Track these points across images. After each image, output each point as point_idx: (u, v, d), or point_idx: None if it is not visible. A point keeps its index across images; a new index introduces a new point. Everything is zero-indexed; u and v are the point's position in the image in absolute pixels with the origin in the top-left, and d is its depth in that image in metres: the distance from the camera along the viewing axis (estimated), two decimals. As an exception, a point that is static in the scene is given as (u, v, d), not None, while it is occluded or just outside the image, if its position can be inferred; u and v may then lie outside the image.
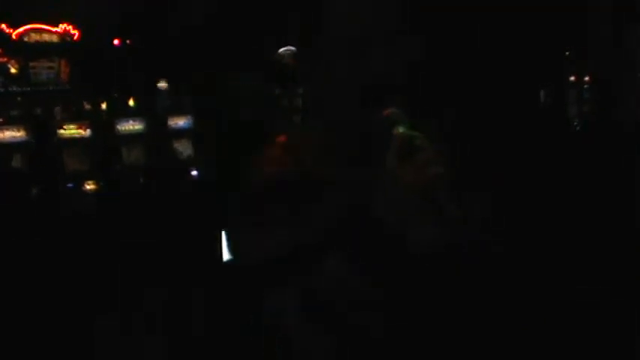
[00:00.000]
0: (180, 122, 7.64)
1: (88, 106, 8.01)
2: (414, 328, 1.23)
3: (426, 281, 1.23)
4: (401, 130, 1.15)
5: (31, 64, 9.32)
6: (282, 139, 1.38)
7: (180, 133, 7.59)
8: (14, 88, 9.10)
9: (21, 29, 9.16)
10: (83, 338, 4.29)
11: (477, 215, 1.33)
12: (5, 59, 9.04)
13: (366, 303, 1.14)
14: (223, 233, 3.74)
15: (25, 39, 9.28)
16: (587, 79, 11.51)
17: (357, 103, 1.24)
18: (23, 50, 9.23)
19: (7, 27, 9.00)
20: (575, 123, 10.85)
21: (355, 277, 1.11)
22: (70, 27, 9.49)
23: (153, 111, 8.09)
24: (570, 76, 11.40)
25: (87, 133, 6.96)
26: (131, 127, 7.27)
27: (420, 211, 1.10)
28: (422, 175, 1.08)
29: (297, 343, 1.18)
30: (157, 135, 7.40)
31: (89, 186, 6.68)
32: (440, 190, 1.08)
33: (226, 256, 3.71)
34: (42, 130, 6.84)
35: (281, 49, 12.38)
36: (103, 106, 7.94)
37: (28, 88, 9.20)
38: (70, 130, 6.90)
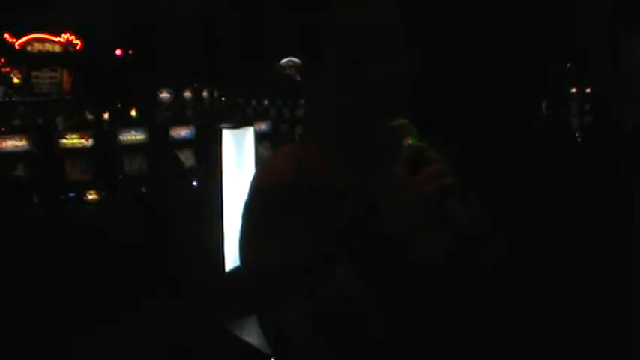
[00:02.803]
0: (182, 132, 7.64)
1: (90, 116, 8.03)
2: (417, 336, 1.23)
3: (430, 291, 1.23)
4: (410, 141, 1.15)
5: (33, 73, 9.37)
6: (286, 148, 1.38)
7: (182, 143, 7.58)
8: (17, 98, 9.14)
9: (24, 39, 9.21)
10: (80, 348, 4.29)
11: (482, 225, 1.33)
12: (8, 69, 9.08)
13: (371, 315, 1.14)
14: (232, 242, 3.74)
15: (28, 48, 9.33)
16: (588, 90, 11.51)
17: (360, 114, 1.25)
18: (26, 60, 9.28)
19: (10, 36, 9.04)
20: (577, 134, 10.86)
21: (361, 289, 1.11)
22: (73, 37, 9.53)
23: (155, 121, 8.10)
24: (572, 87, 11.41)
25: (89, 142, 6.96)
26: (133, 137, 7.26)
27: (427, 224, 1.10)
28: (431, 187, 1.08)
29: (303, 356, 1.18)
30: (159, 145, 7.40)
31: (91, 196, 6.67)
32: (449, 202, 1.08)
33: (229, 265, 3.71)
34: (44, 140, 6.85)
35: (283, 60, 12.40)
36: (105, 115, 7.95)
37: (31, 98, 9.24)
38: (72, 140, 6.90)
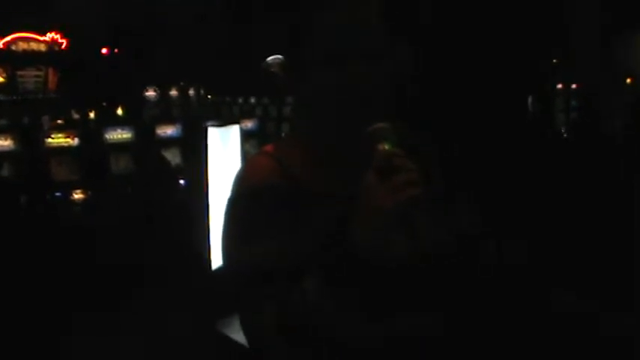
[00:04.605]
0: (168, 131, 7.62)
1: (76, 115, 8.00)
2: (390, 345, 1.22)
3: (400, 299, 1.22)
4: (386, 146, 1.11)
5: (18, 72, 9.32)
6: (269, 147, 1.37)
7: (168, 141, 7.56)
8: (1, 97, 9.10)
9: (9, 38, 9.16)
10: (65, 344, 4.28)
11: (465, 227, 1.32)
12: (-7, 68, 9.03)
13: (341, 325, 1.14)
14: (216, 241, 3.74)
15: (13, 47, 9.28)
16: (574, 86, 11.53)
17: (337, 115, 1.23)
18: (11, 59, 9.23)
19: (-5, 36, 8.99)
20: (563, 131, 10.90)
21: (331, 299, 1.09)
22: (58, 36, 9.49)
23: (141, 119, 8.08)
24: (557, 83, 11.43)
25: (75, 141, 6.93)
26: (119, 136, 7.24)
27: (392, 234, 1.08)
28: (397, 198, 1.05)
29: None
30: (145, 143, 7.37)
31: (77, 195, 6.64)
32: (416, 212, 1.06)
33: (216, 263, 3.71)
34: (29, 139, 6.81)
35: (269, 58, 12.39)
36: (91, 114, 7.92)
37: (16, 97, 9.20)
38: (57, 139, 6.87)
